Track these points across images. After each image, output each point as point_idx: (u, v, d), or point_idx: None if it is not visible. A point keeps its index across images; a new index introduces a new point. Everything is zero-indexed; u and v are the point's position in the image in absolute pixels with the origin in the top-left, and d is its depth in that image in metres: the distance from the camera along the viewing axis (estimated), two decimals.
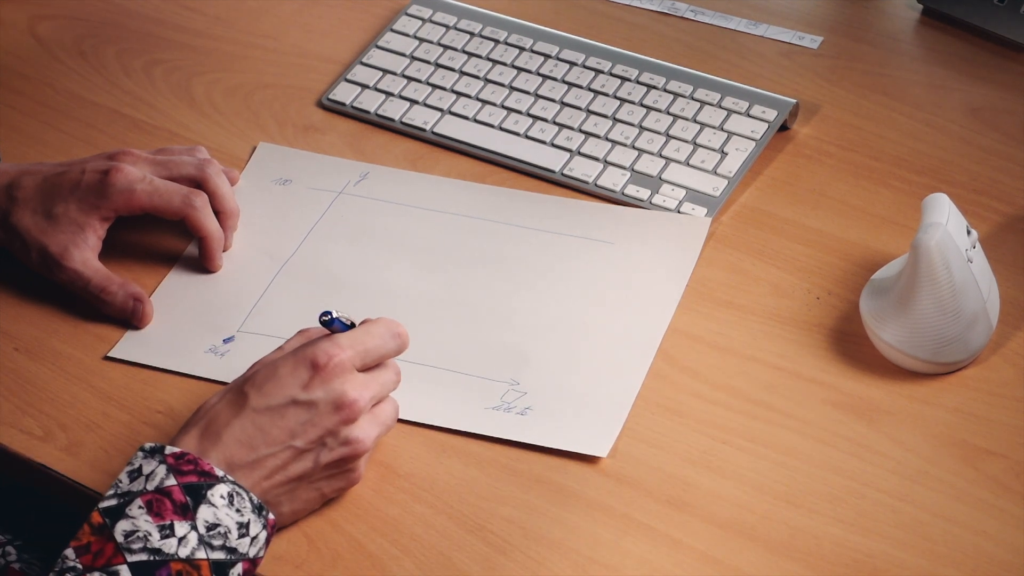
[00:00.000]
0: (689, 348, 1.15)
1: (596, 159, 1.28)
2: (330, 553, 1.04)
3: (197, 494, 0.97)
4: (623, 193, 1.26)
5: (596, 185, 1.27)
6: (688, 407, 1.11)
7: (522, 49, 1.38)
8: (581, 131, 1.30)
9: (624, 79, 1.34)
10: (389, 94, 1.36)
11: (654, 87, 1.33)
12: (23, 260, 1.20)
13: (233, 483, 0.98)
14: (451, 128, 1.32)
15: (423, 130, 1.33)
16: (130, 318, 1.18)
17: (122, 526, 0.95)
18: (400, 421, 1.10)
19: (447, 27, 1.40)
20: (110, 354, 1.17)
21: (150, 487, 0.97)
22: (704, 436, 1.09)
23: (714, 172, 1.26)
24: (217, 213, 1.22)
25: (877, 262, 1.19)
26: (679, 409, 1.11)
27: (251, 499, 0.98)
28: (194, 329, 1.18)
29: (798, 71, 1.37)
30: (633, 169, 1.27)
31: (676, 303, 1.18)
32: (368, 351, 1.04)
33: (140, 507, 0.96)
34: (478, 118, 1.33)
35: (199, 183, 1.22)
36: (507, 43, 1.38)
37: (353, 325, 1.06)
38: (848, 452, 1.08)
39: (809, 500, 1.05)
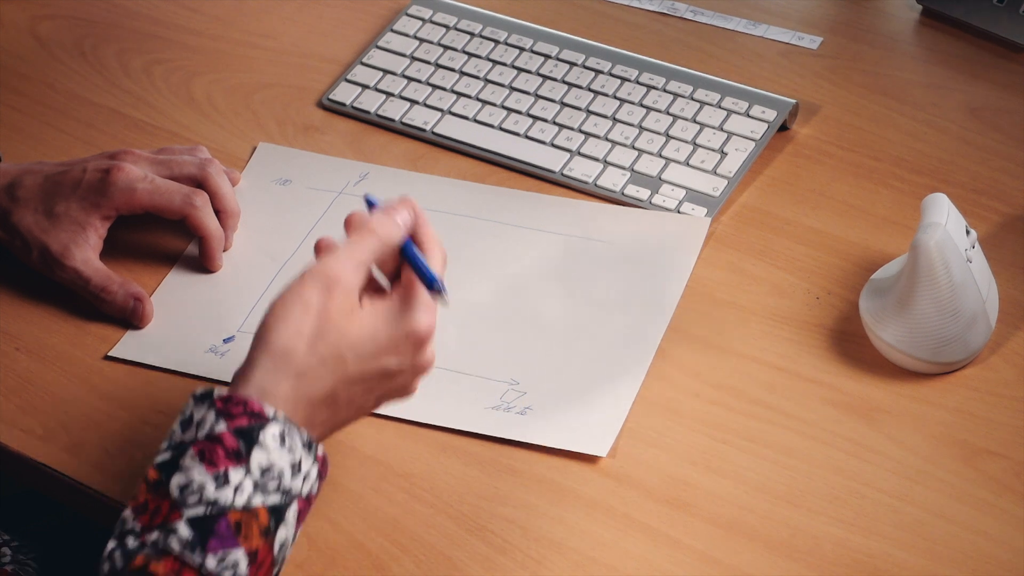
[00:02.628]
0: (689, 348, 1.15)
1: (596, 159, 1.28)
2: (330, 553, 1.04)
3: (249, 437, 0.93)
4: (623, 193, 1.26)
5: (596, 185, 1.27)
6: (688, 407, 1.11)
7: (522, 49, 1.38)
8: (581, 131, 1.30)
9: (624, 79, 1.34)
10: (389, 94, 1.36)
11: (654, 87, 1.33)
12: (24, 259, 1.20)
13: (284, 421, 0.95)
14: (451, 128, 1.32)
15: (423, 130, 1.33)
16: (130, 318, 1.18)
17: (176, 480, 0.92)
18: (400, 420, 1.10)
19: (447, 27, 1.40)
20: (110, 354, 1.17)
21: (201, 435, 0.93)
22: (704, 436, 1.09)
23: (714, 172, 1.26)
24: (218, 213, 1.22)
25: (877, 262, 1.19)
26: (679, 409, 1.11)
27: (301, 436, 0.96)
28: (194, 329, 1.18)
29: (798, 71, 1.37)
30: (633, 169, 1.27)
31: (676, 303, 1.18)
32: None
33: (193, 457, 0.93)
34: (478, 118, 1.33)
35: (200, 182, 1.22)
36: (507, 43, 1.38)
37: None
38: (848, 452, 1.08)
39: (809, 500, 1.05)
